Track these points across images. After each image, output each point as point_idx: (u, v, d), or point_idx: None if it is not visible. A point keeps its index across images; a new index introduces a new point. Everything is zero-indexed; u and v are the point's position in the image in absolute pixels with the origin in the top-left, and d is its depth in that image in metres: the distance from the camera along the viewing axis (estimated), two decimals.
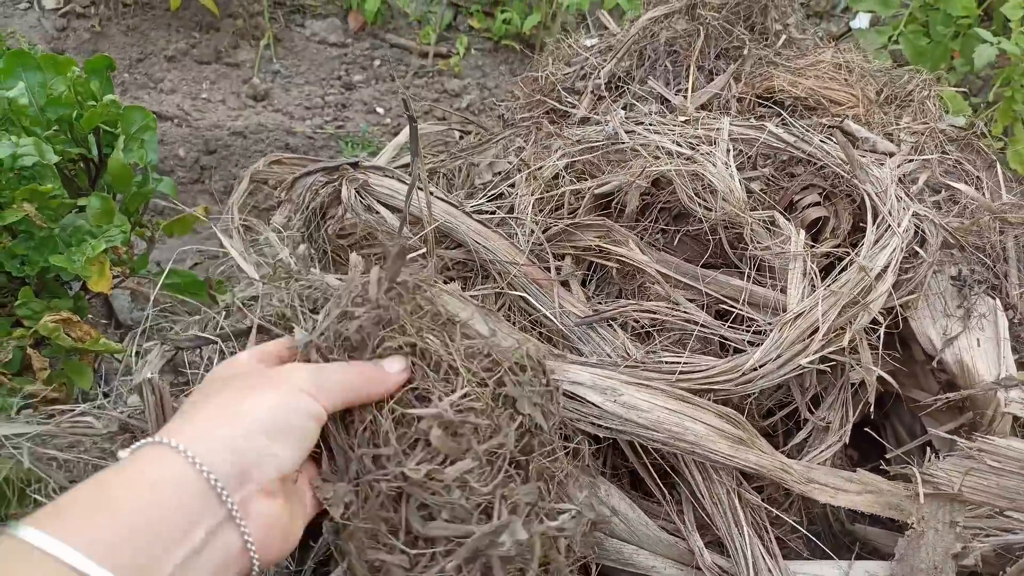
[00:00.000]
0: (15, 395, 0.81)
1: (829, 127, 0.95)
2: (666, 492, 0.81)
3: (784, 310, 0.82)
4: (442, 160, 1.26)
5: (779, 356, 0.80)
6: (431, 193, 1.00)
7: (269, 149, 1.68)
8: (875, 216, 0.83)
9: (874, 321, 0.82)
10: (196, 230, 1.36)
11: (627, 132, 1.02)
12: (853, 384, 0.86)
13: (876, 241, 0.82)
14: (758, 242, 0.88)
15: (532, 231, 0.98)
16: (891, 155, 0.93)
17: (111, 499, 0.41)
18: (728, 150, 0.95)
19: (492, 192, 1.11)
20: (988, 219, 0.86)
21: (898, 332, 0.90)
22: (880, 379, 0.85)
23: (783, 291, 0.84)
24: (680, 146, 0.96)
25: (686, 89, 1.13)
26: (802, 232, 0.87)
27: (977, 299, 0.83)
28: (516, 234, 0.99)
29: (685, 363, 0.80)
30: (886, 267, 0.80)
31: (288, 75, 2.04)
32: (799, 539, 0.86)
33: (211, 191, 1.60)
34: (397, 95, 2.00)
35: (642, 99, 1.13)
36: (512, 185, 1.09)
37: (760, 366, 0.79)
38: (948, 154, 0.94)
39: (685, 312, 0.88)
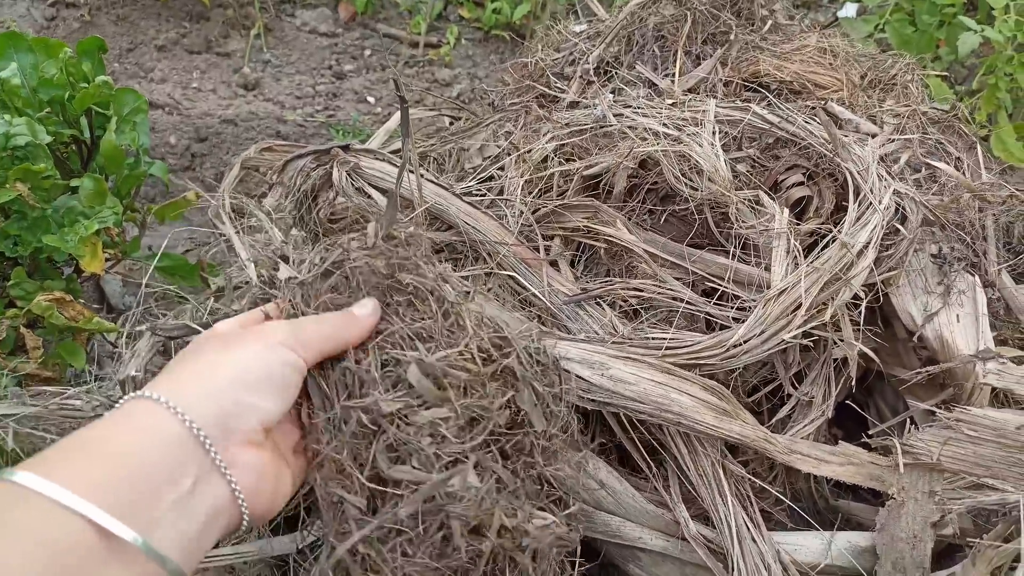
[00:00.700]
0: (8, 374, 0.82)
1: (813, 109, 0.96)
2: (653, 467, 0.82)
3: (768, 287, 0.84)
4: (432, 144, 1.27)
5: (763, 332, 0.81)
6: (421, 175, 1.01)
7: (260, 137, 1.69)
8: (857, 194, 0.85)
9: (856, 298, 0.84)
10: (186, 217, 1.36)
11: (615, 115, 1.03)
12: (836, 360, 0.88)
13: (858, 218, 0.83)
14: (743, 221, 0.89)
15: (521, 212, 0.99)
16: (873, 136, 0.94)
17: (98, 444, 0.42)
18: (714, 131, 0.96)
19: (482, 175, 1.12)
20: (968, 198, 0.88)
21: (880, 310, 0.91)
22: (863, 356, 0.87)
23: (767, 269, 0.86)
24: (667, 127, 0.97)
25: (674, 74, 1.14)
26: (786, 211, 0.89)
27: (957, 276, 0.85)
28: (505, 215, 1.00)
29: (671, 339, 0.82)
30: (867, 243, 0.81)
31: (279, 64, 2.05)
32: (783, 511, 0.88)
33: (202, 178, 1.61)
34: (388, 84, 2.01)
35: (630, 83, 1.14)
36: (502, 168, 1.10)
37: (744, 341, 0.81)
38: (929, 135, 0.95)
39: (671, 290, 0.90)
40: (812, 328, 0.82)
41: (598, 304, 0.91)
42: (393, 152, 1.28)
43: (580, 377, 0.76)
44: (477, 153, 1.21)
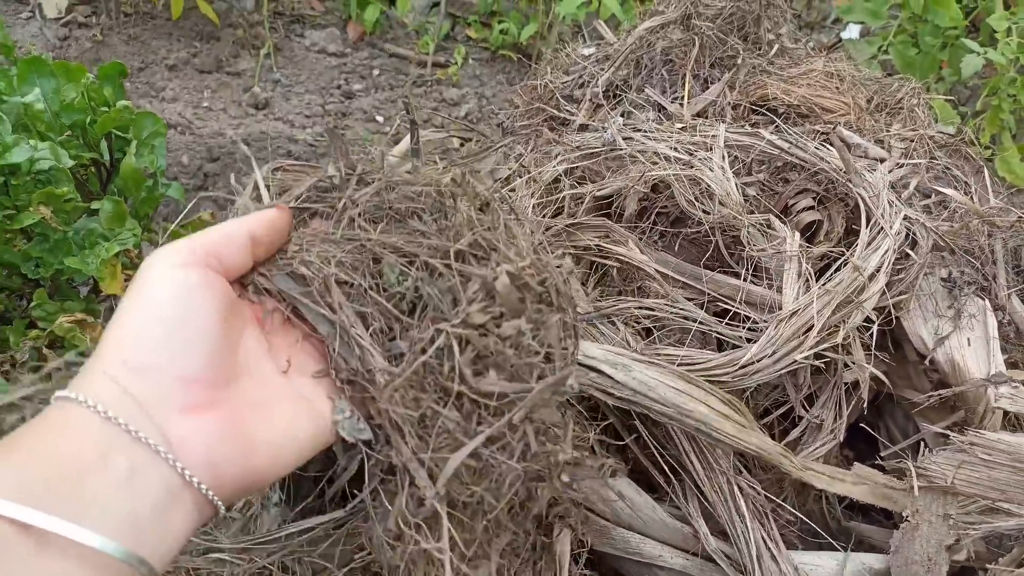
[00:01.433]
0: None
1: (823, 133, 0.98)
2: (672, 480, 0.83)
3: (779, 308, 0.85)
4: (444, 167, 1.28)
5: (775, 352, 0.82)
6: None
7: (272, 157, 1.70)
8: (868, 219, 0.86)
9: (867, 321, 0.85)
10: None
11: (625, 139, 1.04)
12: (847, 384, 0.89)
13: (869, 243, 0.85)
14: (754, 244, 0.91)
15: (532, 231, 1.00)
16: (882, 161, 0.96)
17: (15, 447, 0.37)
18: (724, 156, 0.98)
19: None
20: (977, 223, 0.89)
21: (891, 333, 0.92)
22: (874, 379, 0.88)
23: (779, 291, 0.87)
24: (678, 152, 0.99)
25: (682, 97, 1.16)
26: (797, 235, 0.90)
27: (967, 300, 0.86)
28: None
29: (683, 357, 0.83)
30: (879, 268, 0.83)
31: (288, 84, 2.07)
32: (795, 532, 0.88)
33: (214, 198, 1.62)
34: (396, 104, 2.03)
35: (639, 107, 1.16)
36: (513, 190, 1.11)
37: (756, 361, 0.82)
38: (937, 160, 0.97)
39: (683, 310, 0.91)
40: (823, 350, 0.83)
41: (611, 322, 0.92)
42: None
43: (604, 373, 0.77)
44: (488, 175, 1.22)
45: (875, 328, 0.83)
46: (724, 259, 0.96)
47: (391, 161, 0.57)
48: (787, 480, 0.89)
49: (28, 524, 0.34)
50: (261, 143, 1.75)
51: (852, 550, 0.84)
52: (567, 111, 1.23)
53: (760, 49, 1.21)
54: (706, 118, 1.11)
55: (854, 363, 0.85)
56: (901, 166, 0.95)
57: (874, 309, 0.84)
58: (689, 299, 0.94)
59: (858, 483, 0.81)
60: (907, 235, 0.86)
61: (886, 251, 0.83)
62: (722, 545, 0.78)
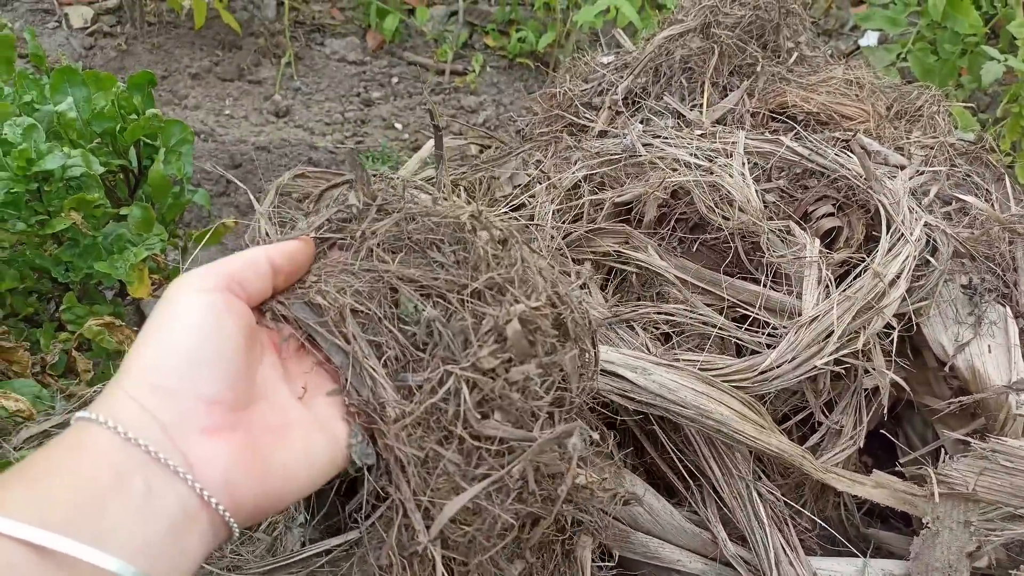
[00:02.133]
0: (59, 394, 0.85)
1: (843, 141, 0.98)
2: (690, 484, 0.83)
3: (799, 314, 0.85)
4: (463, 173, 1.29)
5: (794, 357, 0.83)
6: (455, 204, 1.04)
7: (293, 163, 1.73)
8: (888, 225, 0.86)
9: (888, 327, 0.85)
10: (223, 242, 1.40)
11: (644, 145, 1.05)
12: (867, 390, 0.89)
13: (889, 249, 0.85)
14: (774, 251, 0.91)
15: (552, 237, 1.01)
16: (902, 168, 0.96)
17: (35, 469, 0.38)
18: (744, 162, 0.98)
19: (513, 203, 1.15)
20: (998, 230, 0.89)
21: (911, 340, 0.92)
22: (894, 385, 0.87)
23: (799, 297, 0.87)
24: (697, 158, 0.99)
25: (701, 105, 1.16)
26: (817, 241, 0.90)
27: (988, 307, 0.86)
28: (536, 240, 1.02)
29: (703, 362, 0.83)
30: (899, 274, 0.83)
31: (309, 92, 2.09)
32: (813, 538, 0.88)
33: (236, 204, 1.64)
34: (415, 111, 2.05)
35: (658, 114, 1.16)
36: (532, 196, 1.12)
37: (776, 366, 0.82)
38: (958, 167, 0.97)
39: (703, 316, 0.91)
40: (843, 356, 0.83)
41: (630, 328, 0.93)
42: (425, 180, 1.32)
43: (623, 378, 0.78)
44: (508, 181, 1.23)
45: (895, 334, 0.83)
46: (744, 265, 0.96)
47: (411, 192, 0.57)
48: (806, 486, 0.89)
49: (47, 548, 0.34)
50: (282, 150, 1.77)
51: (871, 557, 0.84)
52: (586, 118, 1.24)
53: (779, 57, 1.22)
54: (725, 125, 1.12)
55: (874, 369, 0.86)
56: (921, 173, 0.95)
57: (894, 315, 0.84)
58: (708, 305, 0.94)
59: (878, 487, 0.81)
60: (927, 242, 0.86)
61: (906, 257, 0.83)
62: (740, 551, 0.79)
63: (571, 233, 1.01)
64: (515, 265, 0.52)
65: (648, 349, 0.88)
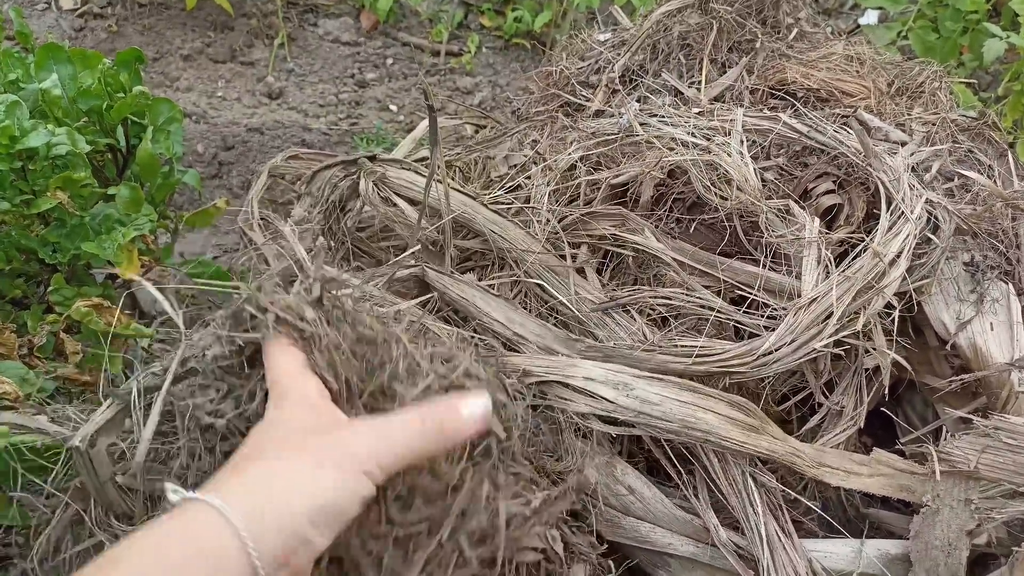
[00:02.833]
0: (46, 376, 0.83)
1: (844, 117, 0.96)
2: (683, 474, 0.82)
3: (799, 296, 0.84)
4: (458, 153, 1.28)
5: (793, 340, 0.81)
6: (448, 185, 1.02)
7: (286, 145, 1.71)
8: (888, 203, 0.85)
9: (888, 306, 0.84)
10: (215, 224, 1.38)
11: (641, 124, 1.03)
12: (867, 370, 0.88)
13: (890, 227, 0.83)
14: (773, 230, 0.90)
15: (548, 220, 1.00)
16: (903, 144, 0.94)
17: (154, 556, 0.41)
18: (742, 140, 0.96)
19: (508, 184, 1.13)
20: (1000, 206, 0.87)
21: (912, 319, 0.91)
22: (894, 365, 0.86)
23: (798, 277, 0.86)
24: (695, 137, 0.98)
25: (699, 82, 1.14)
26: (816, 219, 0.89)
27: (990, 284, 0.85)
28: (532, 223, 1.01)
29: (701, 347, 0.82)
30: (900, 253, 0.82)
31: (302, 73, 2.07)
32: (813, 520, 0.87)
33: (229, 186, 1.62)
34: (410, 93, 2.02)
35: (656, 92, 1.15)
36: (528, 177, 1.11)
37: (775, 350, 0.81)
38: (960, 143, 0.95)
39: (700, 298, 0.90)
40: (844, 337, 0.82)
41: (627, 312, 0.92)
42: (419, 161, 1.30)
43: (604, 398, 0.77)
44: (503, 162, 1.21)
45: (896, 313, 0.82)
46: (742, 245, 0.95)
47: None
48: None
49: None
50: (275, 132, 1.75)
51: (871, 537, 0.83)
52: (583, 97, 1.22)
53: (779, 33, 1.20)
54: (724, 103, 1.10)
55: (874, 349, 0.84)
56: (923, 150, 0.94)
57: (895, 294, 0.83)
58: (707, 287, 0.93)
59: (874, 475, 0.80)
60: (929, 219, 0.84)
61: (907, 236, 0.82)
62: (733, 536, 0.78)
63: (567, 216, 1.00)
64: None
65: (645, 336, 0.87)
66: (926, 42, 1.67)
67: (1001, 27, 1.57)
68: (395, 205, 1.06)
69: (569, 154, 1.06)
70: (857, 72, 1.09)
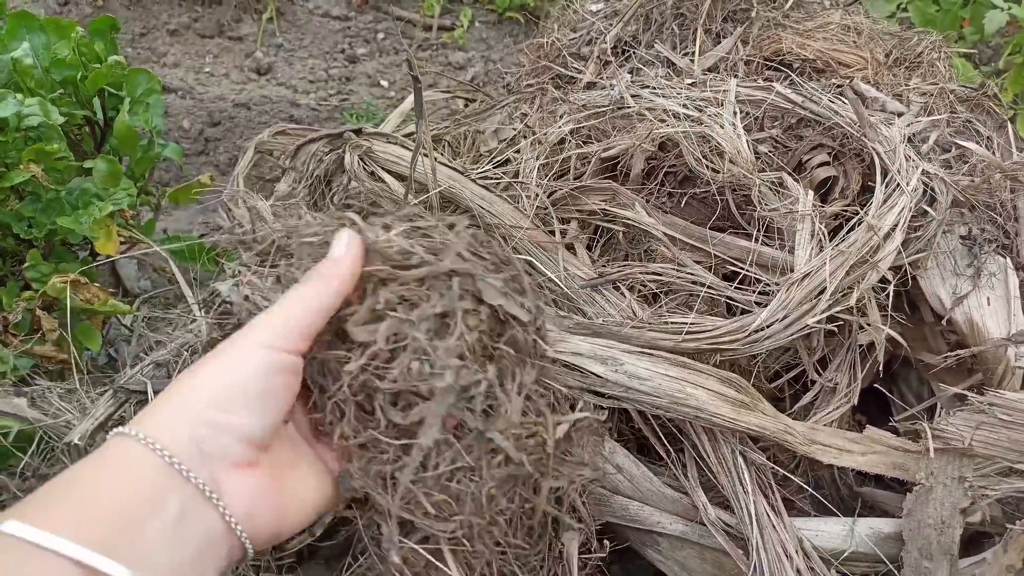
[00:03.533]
0: (23, 355, 0.82)
1: (839, 88, 0.94)
2: (672, 453, 0.81)
3: (792, 270, 0.82)
4: (446, 127, 1.25)
5: (786, 316, 0.80)
6: (435, 159, 1.00)
7: (273, 121, 1.68)
8: (884, 175, 0.83)
9: (883, 281, 0.82)
10: (200, 201, 1.36)
11: (633, 96, 1.01)
12: (861, 346, 0.86)
13: (885, 200, 0.81)
14: (766, 204, 0.87)
15: (537, 195, 0.97)
16: (900, 115, 0.92)
17: (78, 485, 0.42)
18: (735, 112, 0.94)
19: (498, 158, 1.11)
20: (999, 178, 0.85)
21: (907, 294, 0.89)
22: (889, 341, 0.85)
23: (791, 252, 0.84)
24: (687, 108, 0.95)
25: (693, 52, 1.12)
26: (811, 192, 0.87)
27: (987, 258, 0.83)
28: (521, 198, 0.99)
29: (691, 324, 0.80)
30: (895, 226, 0.79)
31: (291, 49, 2.03)
32: (806, 499, 0.86)
33: (216, 162, 1.60)
34: (401, 68, 1.99)
35: (649, 63, 1.12)
36: (518, 151, 1.08)
37: (767, 326, 0.79)
38: (958, 114, 0.93)
39: (692, 274, 0.88)
40: (837, 312, 0.80)
41: (616, 288, 0.90)
42: (406, 136, 1.27)
43: (593, 373, 0.75)
44: (492, 136, 1.19)
45: (891, 288, 0.80)
46: (735, 219, 0.93)
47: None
48: None
49: (92, 567, 0.37)
50: (262, 107, 1.72)
51: (864, 516, 0.82)
52: (574, 69, 1.20)
53: (775, 2, 1.17)
54: (718, 74, 1.07)
55: (869, 325, 0.83)
56: (920, 120, 0.91)
57: (890, 268, 0.81)
58: (698, 262, 0.91)
59: (868, 453, 0.78)
60: (925, 191, 0.82)
61: (902, 209, 0.80)
62: (722, 514, 0.77)
63: (556, 191, 0.97)
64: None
65: (634, 313, 0.85)
66: (926, 14, 1.64)
67: None
68: (381, 180, 1.04)
69: (559, 127, 1.04)
70: (854, 42, 1.06)
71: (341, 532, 0.74)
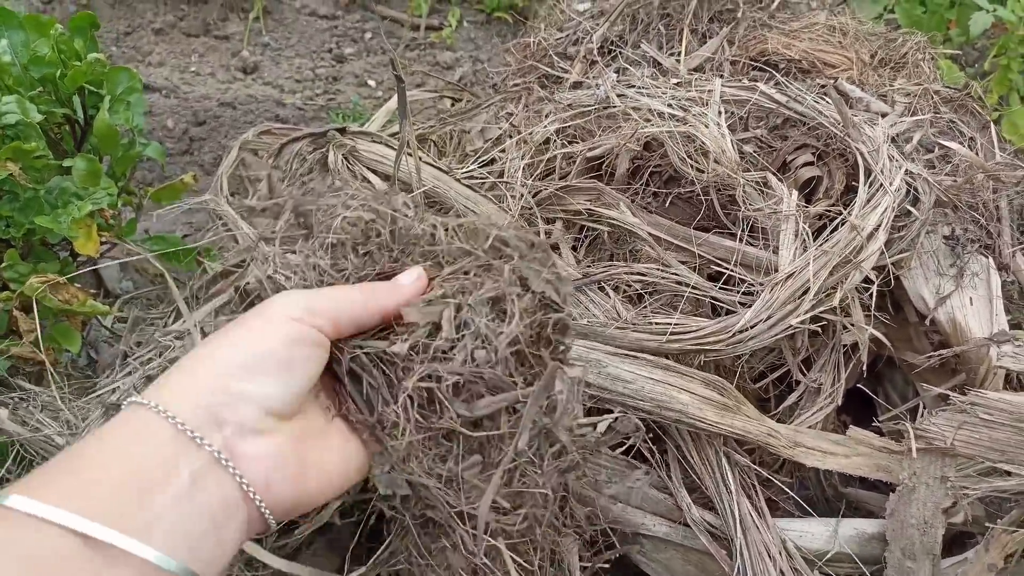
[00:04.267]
0: (1, 358, 0.81)
1: (823, 88, 0.94)
2: (656, 452, 0.81)
3: (776, 270, 0.82)
4: (432, 127, 1.24)
5: (769, 317, 0.79)
6: (419, 158, 0.99)
7: (259, 121, 1.66)
8: (867, 175, 0.83)
9: (867, 281, 0.82)
10: (184, 203, 1.34)
11: (618, 95, 1.01)
12: (845, 346, 0.86)
13: (868, 200, 0.81)
14: (750, 204, 0.87)
15: (522, 195, 0.97)
16: (884, 115, 0.92)
17: (86, 455, 0.40)
18: (720, 111, 0.94)
19: (483, 158, 1.10)
20: (981, 178, 0.85)
21: (891, 294, 0.89)
22: (873, 341, 0.85)
23: (775, 251, 0.84)
24: (672, 108, 0.95)
25: (679, 52, 1.11)
26: (795, 192, 0.87)
27: (970, 258, 0.83)
28: (506, 198, 0.98)
29: (676, 325, 0.80)
30: (878, 226, 0.79)
31: (278, 48, 2.02)
32: (791, 500, 0.86)
33: (200, 162, 1.58)
34: (388, 68, 1.98)
35: (635, 63, 1.12)
36: (503, 151, 1.08)
37: (751, 327, 0.79)
38: (942, 114, 0.93)
39: (676, 274, 0.88)
40: (821, 313, 0.80)
41: (601, 289, 0.89)
42: (391, 135, 1.26)
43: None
44: (478, 135, 1.18)
45: (875, 288, 0.80)
46: (719, 219, 0.93)
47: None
48: None
49: (92, 537, 0.36)
50: (248, 107, 1.71)
51: (850, 515, 0.82)
52: (560, 68, 1.19)
53: (761, 3, 1.17)
54: (703, 74, 1.07)
55: (852, 325, 0.83)
56: (904, 120, 0.91)
57: (874, 268, 0.81)
58: (683, 262, 0.91)
59: (851, 455, 0.78)
60: (908, 191, 0.82)
61: (885, 209, 0.80)
62: (706, 515, 0.76)
63: (541, 191, 0.97)
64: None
65: (618, 314, 0.84)
66: (912, 16, 1.64)
67: (989, 1, 1.54)
68: (365, 179, 1.03)
69: (545, 127, 1.03)
70: (840, 43, 1.06)
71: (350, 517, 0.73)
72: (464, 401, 0.47)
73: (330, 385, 0.51)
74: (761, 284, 0.82)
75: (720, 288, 0.85)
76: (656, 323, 0.81)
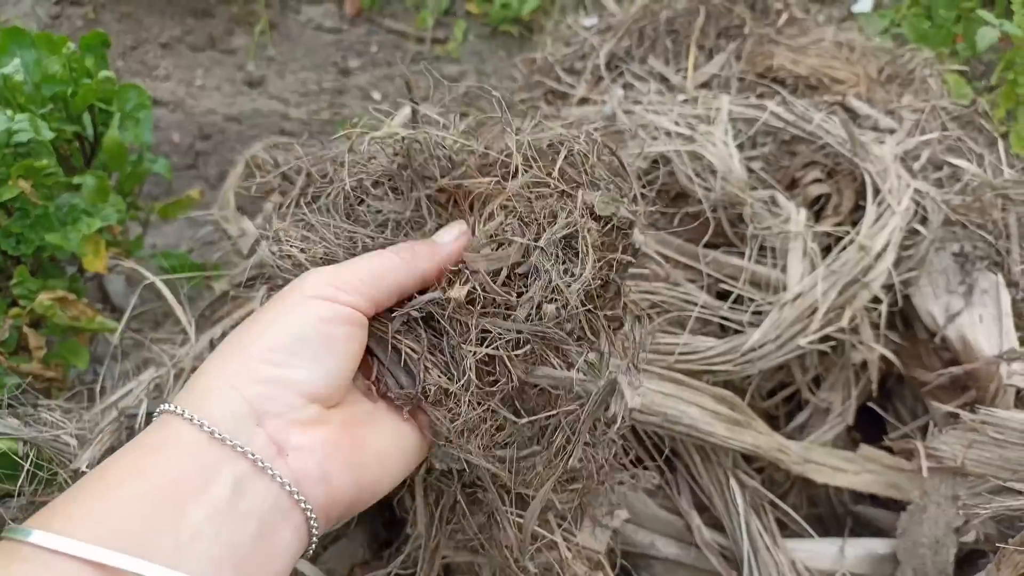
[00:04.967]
0: (11, 374, 0.80)
1: (832, 104, 0.94)
2: (665, 472, 0.80)
3: (784, 289, 0.82)
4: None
5: (778, 337, 0.79)
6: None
7: (264, 134, 1.67)
8: (875, 194, 0.83)
9: (876, 299, 0.82)
10: (191, 217, 1.35)
11: (625, 112, 1.01)
12: (855, 365, 0.86)
13: (876, 220, 0.81)
14: (758, 222, 0.87)
15: None
16: (892, 132, 0.92)
17: (112, 475, 0.37)
18: (727, 129, 0.94)
19: None
20: (990, 196, 0.85)
21: (900, 312, 0.89)
22: (883, 359, 0.84)
23: (784, 270, 0.84)
24: (679, 126, 0.95)
25: (686, 68, 1.12)
26: (803, 210, 0.87)
27: (979, 275, 0.83)
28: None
29: (683, 345, 0.80)
30: (886, 246, 0.79)
31: (283, 61, 2.03)
32: (799, 520, 0.86)
33: (206, 176, 1.59)
34: (394, 81, 1.99)
35: (641, 79, 1.12)
36: None
37: (759, 347, 0.79)
38: (950, 131, 0.93)
39: (684, 293, 0.88)
40: (830, 332, 0.80)
41: None
42: None
43: None
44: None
45: (883, 307, 0.80)
46: (727, 237, 0.92)
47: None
48: None
49: (113, 568, 0.33)
50: (253, 121, 1.71)
51: (860, 534, 0.81)
52: (567, 84, 1.20)
53: (768, 18, 1.17)
54: (711, 90, 1.07)
55: (862, 343, 0.82)
56: (911, 137, 0.92)
57: (883, 287, 0.81)
58: (691, 281, 0.90)
59: (861, 472, 0.78)
60: (917, 210, 0.82)
61: (893, 229, 0.80)
62: (716, 537, 0.76)
63: None
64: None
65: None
66: (919, 30, 1.65)
67: (995, 15, 1.54)
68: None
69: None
70: (847, 59, 1.06)
71: None
72: (522, 361, 0.43)
73: (365, 365, 0.47)
74: (770, 303, 0.82)
75: (729, 307, 0.85)
76: (664, 343, 0.81)
